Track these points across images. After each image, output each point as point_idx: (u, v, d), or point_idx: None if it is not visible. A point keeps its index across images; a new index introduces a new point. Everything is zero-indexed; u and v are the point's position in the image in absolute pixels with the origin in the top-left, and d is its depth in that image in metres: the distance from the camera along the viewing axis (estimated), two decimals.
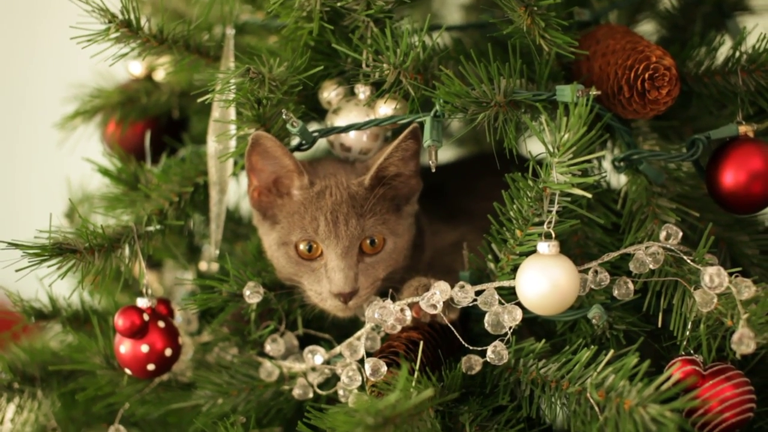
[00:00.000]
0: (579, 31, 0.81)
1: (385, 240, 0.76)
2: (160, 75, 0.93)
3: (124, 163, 0.90)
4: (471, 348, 0.74)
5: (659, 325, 0.76)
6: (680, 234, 0.75)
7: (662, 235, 0.75)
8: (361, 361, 0.77)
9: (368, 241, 0.76)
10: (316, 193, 0.75)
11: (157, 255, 0.87)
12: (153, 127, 0.96)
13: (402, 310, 0.74)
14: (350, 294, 0.75)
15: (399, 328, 0.74)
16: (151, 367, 0.78)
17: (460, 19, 0.95)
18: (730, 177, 0.77)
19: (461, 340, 0.74)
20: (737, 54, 0.83)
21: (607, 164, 0.84)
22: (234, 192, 0.87)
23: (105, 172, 0.93)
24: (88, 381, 0.88)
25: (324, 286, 0.77)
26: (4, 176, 2.17)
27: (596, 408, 0.68)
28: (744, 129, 0.78)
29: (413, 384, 0.67)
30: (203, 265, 0.85)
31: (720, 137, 0.80)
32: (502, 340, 0.73)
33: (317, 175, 0.77)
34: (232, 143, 0.79)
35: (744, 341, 0.69)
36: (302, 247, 0.76)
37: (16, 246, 0.79)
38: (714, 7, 0.88)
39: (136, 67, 0.94)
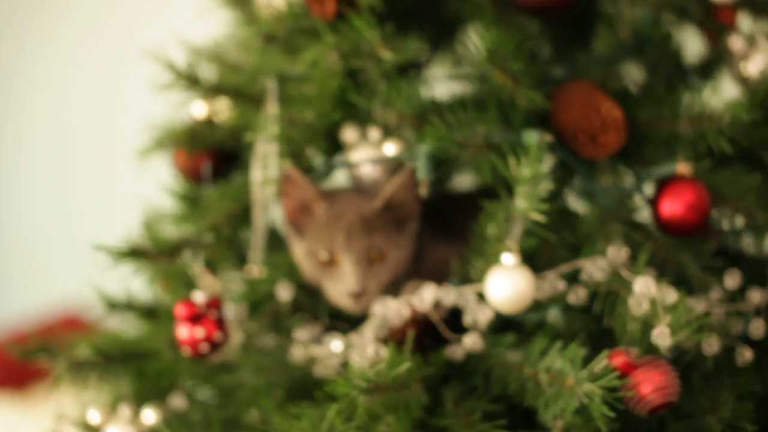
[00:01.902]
0: (552, 85, 0.99)
1: (389, 252, 0.94)
2: (217, 116, 1.12)
3: (188, 185, 1.11)
4: (455, 339, 0.92)
5: (605, 325, 0.93)
6: (623, 251, 0.92)
7: (610, 252, 0.93)
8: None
9: (376, 253, 0.93)
10: (335, 215, 0.93)
11: (212, 260, 1.06)
12: (211, 158, 1.11)
13: (401, 307, 0.93)
14: (360, 294, 0.93)
15: (398, 321, 0.93)
16: (204, 348, 0.96)
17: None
18: (668, 207, 0.92)
19: (447, 331, 0.92)
20: (681, 106, 1.00)
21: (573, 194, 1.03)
22: (274, 211, 1.06)
23: (173, 192, 1.15)
24: (155, 361, 1.09)
25: (340, 287, 0.94)
26: (91, 196, 2.45)
27: (544, 386, 0.86)
28: (682, 168, 0.93)
29: (402, 361, 0.85)
30: (248, 269, 1.04)
31: (662, 174, 0.94)
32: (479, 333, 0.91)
33: (336, 200, 0.93)
34: (272, 172, 0.99)
35: (661, 336, 0.86)
36: (323, 256, 0.94)
37: (103, 249, 1.01)
38: (674, 67, 1.05)
39: (199, 110, 1.09)
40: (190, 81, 1.03)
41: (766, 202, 0.96)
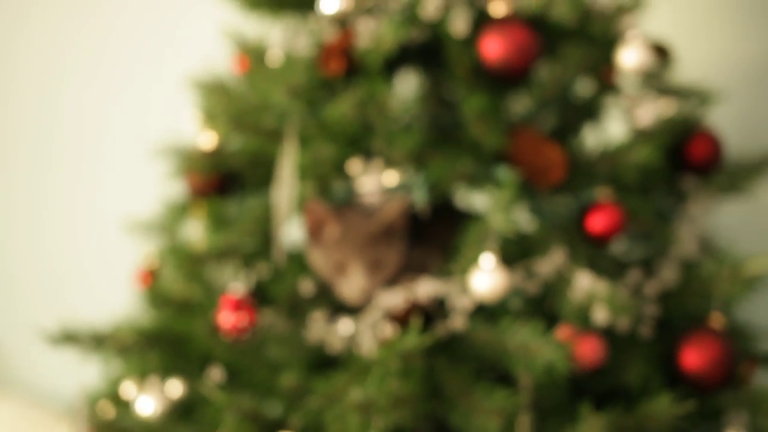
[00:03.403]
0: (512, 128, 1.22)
1: (385, 260, 1.18)
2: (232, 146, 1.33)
3: (215, 204, 1.33)
4: (443, 320, 1.20)
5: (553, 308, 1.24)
6: (564, 254, 1.22)
7: (555, 255, 1.24)
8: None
9: (376, 262, 1.17)
10: (345, 233, 1.16)
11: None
12: (220, 181, 1.34)
13: (401, 297, 1.21)
14: (364, 292, 1.18)
15: (399, 308, 1.21)
16: (242, 331, 1.21)
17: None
18: (594, 223, 1.20)
19: (437, 314, 1.21)
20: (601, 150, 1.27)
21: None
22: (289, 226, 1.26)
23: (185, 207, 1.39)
24: (193, 342, 1.30)
25: (349, 288, 1.18)
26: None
27: (514, 352, 1.16)
28: (602, 193, 1.23)
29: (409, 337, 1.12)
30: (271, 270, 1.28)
31: (588, 199, 1.24)
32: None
33: (345, 222, 1.17)
34: (291, 195, 1.24)
35: (595, 315, 1.15)
36: (337, 265, 1.18)
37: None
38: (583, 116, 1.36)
39: (209, 140, 1.32)
40: (209, 116, 1.29)
41: (658, 218, 1.31)
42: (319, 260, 1.20)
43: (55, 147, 2.69)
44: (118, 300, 1.58)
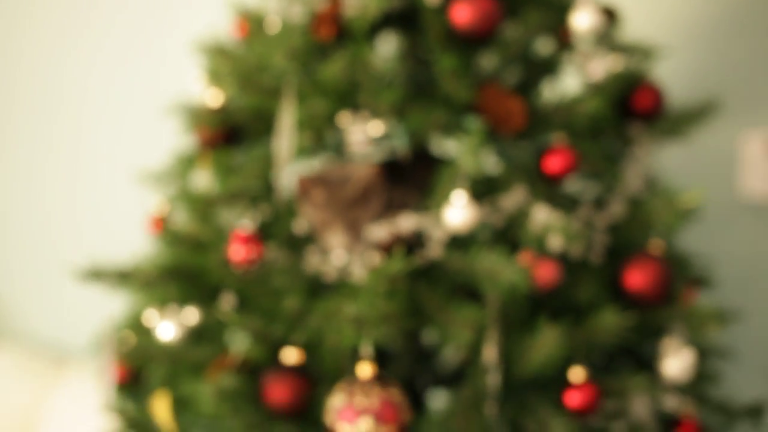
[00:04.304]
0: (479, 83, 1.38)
1: (364, 216, 1.32)
2: (235, 103, 1.52)
3: (223, 153, 1.52)
4: (422, 250, 1.39)
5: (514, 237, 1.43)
6: (524, 190, 1.41)
7: (516, 191, 1.43)
8: None
9: (356, 219, 1.31)
10: (329, 198, 1.30)
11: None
12: (227, 134, 1.51)
13: (385, 230, 1.40)
14: (347, 244, 1.34)
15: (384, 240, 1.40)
16: (251, 262, 1.39)
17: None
18: (551, 164, 1.36)
19: (414, 246, 1.39)
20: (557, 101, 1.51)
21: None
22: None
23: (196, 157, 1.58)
24: (206, 274, 1.52)
25: (335, 239, 1.33)
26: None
27: (483, 274, 1.34)
28: (558, 138, 1.42)
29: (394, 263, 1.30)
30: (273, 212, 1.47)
31: (546, 143, 1.50)
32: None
33: (327, 185, 1.31)
34: (291, 144, 1.42)
35: (552, 240, 1.35)
36: (323, 222, 1.32)
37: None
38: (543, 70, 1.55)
39: (216, 98, 1.49)
40: (214, 77, 1.47)
41: (607, 160, 1.50)
42: (309, 217, 1.37)
43: (67, 105, 2.84)
44: (122, 246, 1.75)
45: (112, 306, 1.72)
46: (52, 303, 2.98)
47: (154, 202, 1.64)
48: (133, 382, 1.57)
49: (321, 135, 1.37)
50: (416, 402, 1.47)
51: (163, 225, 1.56)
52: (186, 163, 1.58)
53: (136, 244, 1.76)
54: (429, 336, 1.48)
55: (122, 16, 2.69)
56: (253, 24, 1.47)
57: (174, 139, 1.62)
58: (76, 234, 2.88)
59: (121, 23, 2.70)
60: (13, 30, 2.91)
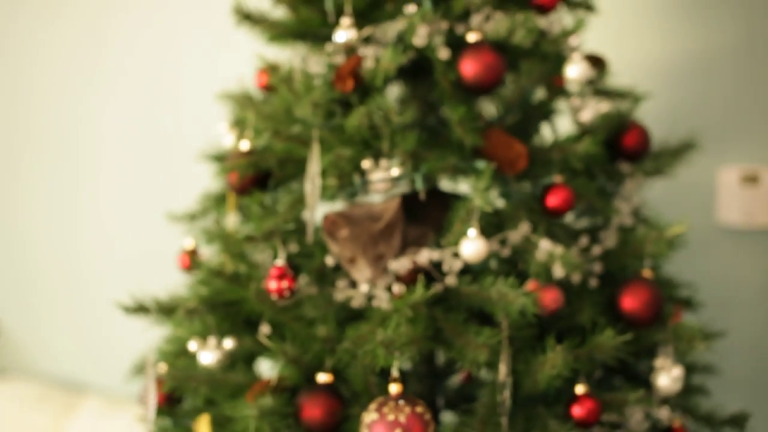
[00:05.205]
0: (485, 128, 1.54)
1: (388, 250, 1.42)
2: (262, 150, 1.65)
3: (258, 196, 1.65)
4: (440, 279, 1.54)
5: (521, 267, 1.57)
6: (529, 226, 1.55)
7: (522, 226, 1.59)
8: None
9: (380, 254, 1.40)
10: (354, 234, 1.39)
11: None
12: (255, 179, 1.63)
13: (407, 263, 1.55)
14: (372, 278, 1.44)
15: (405, 271, 1.54)
16: (285, 294, 1.52)
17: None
18: (551, 201, 1.48)
19: (435, 275, 1.54)
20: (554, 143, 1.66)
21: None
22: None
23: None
24: (244, 305, 1.62)
25: (360, 274, 1.42)
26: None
27: (495, 300, 1.46)
28: (557, 178, 1.55)
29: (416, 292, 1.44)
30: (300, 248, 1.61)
31: (547, 183, 1.61)
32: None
33: (353, 225, 1.40)
34: (318, 187, 1.56)
35: (556, 271, 1.51)
36: (349, 258, 1.42)
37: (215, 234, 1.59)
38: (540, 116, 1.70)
39: (245, 145, 1.59)
40: (241, 123, 1.62)
41: (600, 196, 1.65)
42: (336, 253, 1.49)
43: (93, 154, 2.93)
44: (144, 282, 1.85)
45: (133, 340, 1.82)
46: (71, 338, 3.07)
47: (184, 240, 1.77)
48: (172, 406, 1.69)
49: (347, 178, 1.51)
50: (434, 419, 1.61)
51: (190, 261, 1.69)
52: (217, 204, 1.72)
53: (158, 279, 1.89)
54: (442, 357, 1.62)
55: (143, 65, 2.81)
56: (277, 78, 1.60)
57: (192, 181, 1.74)
58: (90, 272, 2.98)
59: (158, 77, 2.81)
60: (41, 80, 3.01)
